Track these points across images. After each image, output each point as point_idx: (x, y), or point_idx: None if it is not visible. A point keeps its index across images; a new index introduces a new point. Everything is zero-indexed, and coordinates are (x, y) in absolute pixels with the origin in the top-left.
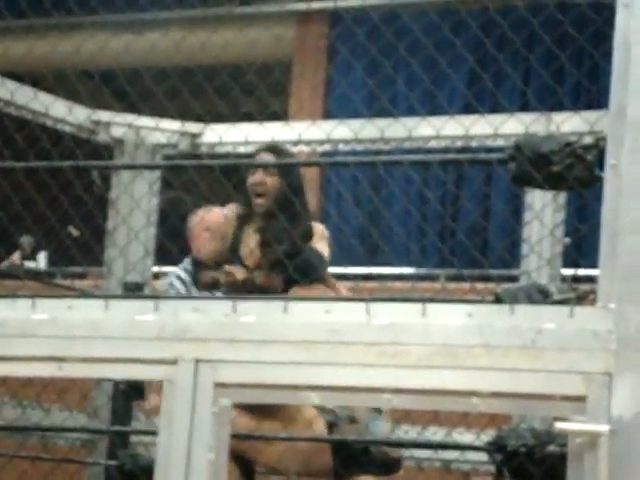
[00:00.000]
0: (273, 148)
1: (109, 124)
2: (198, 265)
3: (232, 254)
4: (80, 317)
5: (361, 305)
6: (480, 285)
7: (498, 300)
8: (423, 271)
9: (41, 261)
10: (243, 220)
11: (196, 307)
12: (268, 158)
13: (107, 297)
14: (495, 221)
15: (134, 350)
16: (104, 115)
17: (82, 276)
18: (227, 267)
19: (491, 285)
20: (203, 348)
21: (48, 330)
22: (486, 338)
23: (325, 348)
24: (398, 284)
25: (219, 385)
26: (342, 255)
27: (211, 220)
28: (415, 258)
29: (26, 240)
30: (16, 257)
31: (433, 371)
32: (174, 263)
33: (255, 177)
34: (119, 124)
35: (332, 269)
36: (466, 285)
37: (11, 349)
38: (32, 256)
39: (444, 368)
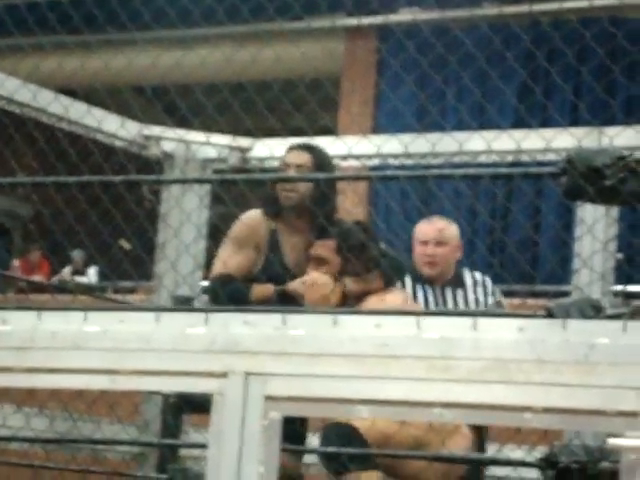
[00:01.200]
0: (306, 146)
1: (160, 139)
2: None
3: (272, 265)
4: (131, 330)
5: (411, 319)
6: (531, 301)
7: (550, 315)
8: None
9: (92, 275)
10: (271, 227)
11: (246, 320)
12: (301, 155)
13: (158, 310)
14: (546, 235)
15: (184, 363)
16: (155, 130)
17: (133, 290)
18: (310, 277)
19: (542, 301)
20: (253, 361)
21: (99, 343)
22: (538, 353)
23: (375, 362)
24: None
25: (269, 398)
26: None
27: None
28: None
29: (78, 254)
30: (67, 271)
31: (484, 386)
32: None
33: (287, 173)
34: (170, 139)
35: None
36: (517, 301)
37: (63, 361)
38: (84, 270)
39: (495, 383)
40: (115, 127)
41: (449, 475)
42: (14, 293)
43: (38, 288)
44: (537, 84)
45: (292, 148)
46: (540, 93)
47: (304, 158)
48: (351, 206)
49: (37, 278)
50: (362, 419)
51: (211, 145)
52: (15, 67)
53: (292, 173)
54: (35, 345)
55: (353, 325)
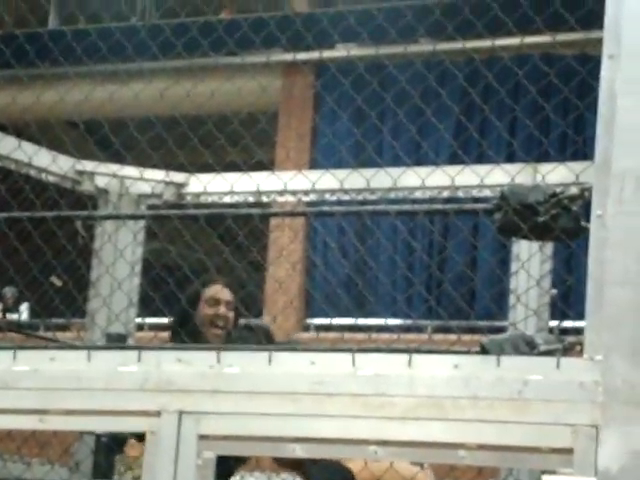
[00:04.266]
0: (229, 282)
1: (93, 174)
2: None
3: None
4: (62, 369)
5: (346, 356)
6: (467, 337)
7: (484, 351)
8: (409, 322)
9: (23, 312)
10: None
11: (179, 358)
12: (226, 292)
13: (89, 348)
14: (482, 271)
15: (117, 402)
16: (88, 165)
17: (65, 328)
18: None
19: (478, 337)
20: (187, 399)
21: (30, 382)
22: (472, 390)
23: (310, 399)
24: (384, 335)
25: (203, 437)
26: (328, 305)
27: None
28: (401, 309)
29: (9, 291)
30: None
31: (419, 423)
32: (157, 314)
33: (219, 310)
34: (103, 174)
35: (318, 320)
36: (453, 337)
37: None
38: (15, 308)
39: (430, 420)
40: (47, 162)
41: None
42: None
43: None
44: (472, 121)
45: (215, 283)
46: (475, 130)
47: (230, 294)
48: (288, 242)
49: None
50: (352, 461)
51: (145, 180)
52: None
53: (224, 309)
54: None
55: (288, 363)
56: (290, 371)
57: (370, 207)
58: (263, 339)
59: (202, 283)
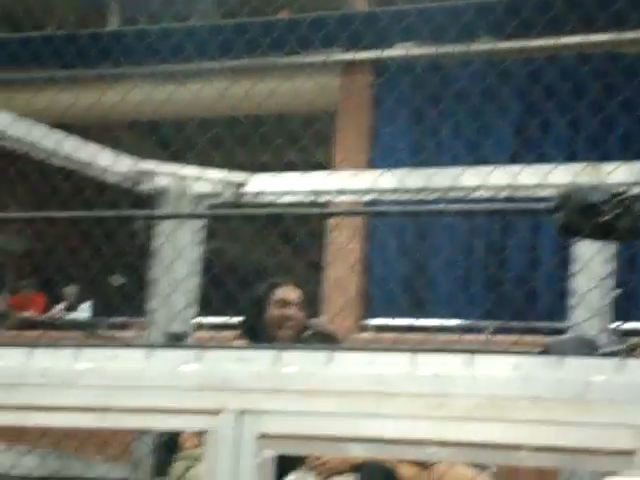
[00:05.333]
0: (298, 284)
1: (153, 174)
2: None
3: None
4: (122, 367)
5: (406, 356)
6: (527, 338)
7: (545, 352)
8: (469, 323)
9: (85, 311)
10: None
11: (239, 357)
12: (295, 292)
13: (149, 347)
14: (542, 272)
15: (176, 400)
16: (148, 165)
17: (125, 326)
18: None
19: (538, 338)
20: (246, 398)
21: (91, 380)
22: (533, 390)
23: (369, 399)
24: (443, 336)
25: (262, 436)
26: (386, 306)
27: None
28: (460, 309)
29: (71, 290)
30: (60, 308)
31: (479, 423)
32: (217, 314)
33: (288, 311)
34: (163, 174)
35: (376, 320)
36: (513, 338)
37: (53, 399)
38: (76, 306)
39: (490, 421)
40: (108, 162)
41: None
42: (6, 329)
43: (30, 325)
44: (533, 120)
45: (283, 285)
46: (536, 129)
47: (299, 294)
48: (346, 242)
49: (30, 314)
50: (404, 466)
51: (205, 180)
52: (8, 102)
53: (293, 310)
54: (25, 382)
55: (347, 362)
56: (349, 371)
57: (428, 207)
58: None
59: (271, 284)
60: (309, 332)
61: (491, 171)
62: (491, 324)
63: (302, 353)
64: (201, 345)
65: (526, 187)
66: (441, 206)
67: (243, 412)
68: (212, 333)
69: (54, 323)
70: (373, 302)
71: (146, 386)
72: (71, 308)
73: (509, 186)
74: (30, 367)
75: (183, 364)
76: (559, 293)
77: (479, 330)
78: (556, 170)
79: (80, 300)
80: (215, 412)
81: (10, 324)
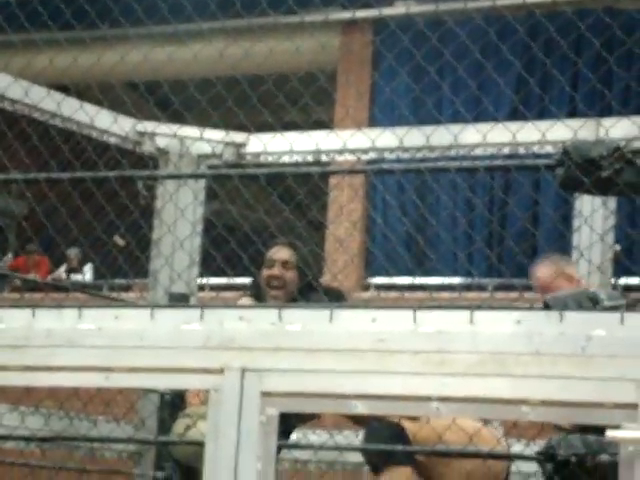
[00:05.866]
0: (290, 243)
1: (154, 134)
2: None
3: None
4: (126, 327)
5: (408, 313)
6: (529, 294)
7: (547, 307)
8: (471, 280)
9: (87, 273)
10: None
11: (242, 316)
12: (283, 252)
13: (153, 306)
14: (544, 228)
15: (180, 360)
16: (149, 125)
17: (128, 288)
18: None
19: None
20: (249, 357)
21: (94, 340)
22: (535, 346)
23: (372, 356)
24: (445, 294)
25: (265, 394)
26: (388, 264)
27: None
28: (462, 266)
29: (73, 252)
30: (63, 269)
31: (481, 379)
32: (219, 275)
33: (273, 271)
34: (163, 134)
35: (378, 279)
36: (515, 295)
37: (57, 359)
38: (79, 268)
39: (492, 376)
40: (108, 123)
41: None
42: (9, 292)
43: (34, 287)
44: (533, 75)
45: (276, 245)
46: (536, 84)
47: (289, 254)
48: (347, 201)
49: (35, 276)
50: (411, 420)
51: (205, 140)
52: (6, 64)
53: (278, 269)
54: (30, 343)
55: (349, 320)
56: (352, 328)
57: (429, 164)
58: (336, 300)
59: (269, 246)
60: (313, 286)
61: (492, 127)
62: (493, 281)
63: (304, 311)
64: (204, 304)
65: (527, 144)
66: (441, 163)
67: (246, 370)
68: (215, 294)
69: (57, 285)
70: (375, 261)
71: (150, 346)
72: (74, 270)
73: (510, 143)
74: (34, 328)
75: (186, 323)
76: (561, 249)
77: (481, 287)
78: (557, 126)
79: (83, 262)
80: (219, 371)
81: (13, 286)
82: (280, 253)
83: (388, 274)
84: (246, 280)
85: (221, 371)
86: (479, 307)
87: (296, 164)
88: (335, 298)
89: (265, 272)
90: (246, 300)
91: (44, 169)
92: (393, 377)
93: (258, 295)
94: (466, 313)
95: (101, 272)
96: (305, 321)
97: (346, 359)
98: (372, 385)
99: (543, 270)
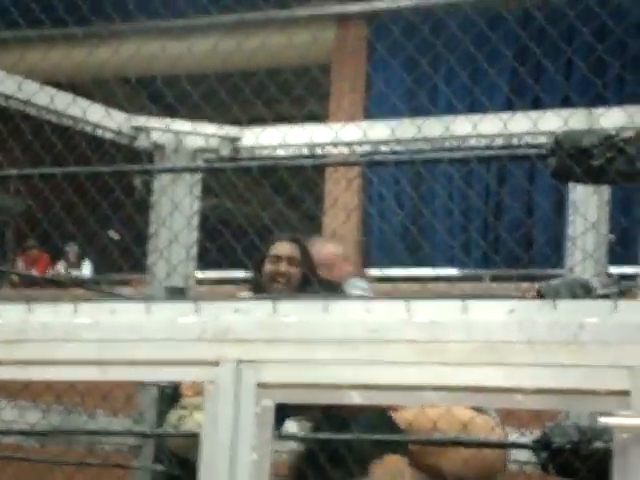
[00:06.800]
0: (293, 238)
1: (148, 129)
2: None
3: None
4: (122, 320)
5: (401, 303)
6: (525, 284)
7: (540, 296)
8: (466, 272)
9: (85, 269)
10: None
11: (237, 308)
12: (288, 247)
13: (148, 300)
14: (538, 218)
15: (176, 352)
16: (143, 120)
17: (126, 283)
18: None
19: (536, 285)
20: (245, 348)
21: (91, 334)
22: (528, 334)
23: (366, 347)
24: (441, 285)
25: (261, 385)
26: (384, 256)
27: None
28: (458, 257)
29: (71, 248)
30: (61, 266)
31: (475, 368)
32: (215, 267)
33: (279, 267)
34: (157, 129)
35: (374, 270)
36: (510, 285)
37: (54, 353)
38: (77, 264)
39: (486, 365)
40: (102, 118)
41: (492, 472)
42: (9, 287)
43: (33, 282)
44: (526, 65)
45: (280, 240)
46: (529, 74)
47: (293, 250)
48: (342, 193)
49: (34, 273)
50: (407, 409)
51: (200, 135)
52: None
53: (284, 266)
54: (26, 338)
55: (343, 311)
56: (346, 319)
57: (422, 155)
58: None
59: (269, 240)
60: (312, 281)
61: (483, 118)
62: (488, 272)
63: (298, 303)
64: (199, 297)
65: (519, 134)
66: (434, 154)
67: (242, 362)
68: (211, 287)
69: (56, 280)
70: (370, 253)
71: (146, 338)
72: (72, 266)
73: (502, 134)
74: (30, 322)
75: (182, 316)
76: (555, 239)
77: (477, 278)
78: (549, 116)
79: (80, 257)
80: (214, 363)
81: (12, 282)
82: (285, 249)
83: (384, 266)
84: (242, 273)
85: (217, 363)
86: (472, 296)
87: (290, 157)
88: (331, 290)
89: (269, 268)
90: (245, 294)
91: (39, 165)
92: (388, 367)
93: (257, 289)
94: (459, 303)
95: (100, 268)
96: (300, 312)
97: (341, 349)
98: (367, 375)
99: (330, 249)
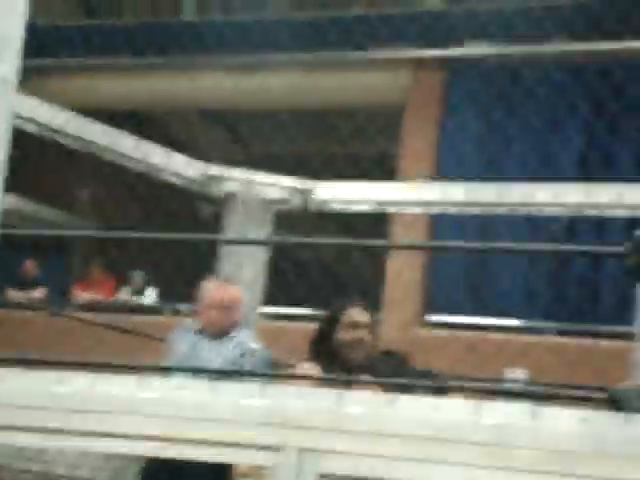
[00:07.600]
0: (365, 306)
1: (222, 178)
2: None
3: None
4: (187, 397)
5: (470, 403)
6: (588, 341)
7: (612, 400)
8: (529, 323)
9: (150, 296)
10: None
11: (301, 394)
12: (365, 315)
13: (214, 379)
14: (605, 273)
15: (238, 434)
16: (218, 170)
17: (189, 314)
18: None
19: (603, 342)
20: (308, 436)
21: (155, 409)
22: (599, 446)
23: (432, 445)
24: (501, 335)
25: (323, 476)
26: (447, 302)
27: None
28: (521, 309)
29: (137, 275)
30: (126, 292)
31: (542, 477)
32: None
33: (360, 334)
34: (233, 179)
35: (435, 316)
36: (573, 341)
37: (117, 426)
38: (142, 291)
39: (553, 474)
40: (180, 166)
41: None
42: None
43: (98, 307)
44: (601, 120)
45: (354, 306)
46: (604, 129)
47: (369, 317)
48: (410, 237)
49: (98, 297)
50: None
51: (273, 186)
52: (86, 88)
53: (364, 333)
54: (90, 408)
55: (411, 406)
56: (412, 415)
57: (490, 245)
58: (399, 366)
59: (341, 306)
60: (380, 350)
61: (564, 188)
62: (551, 325)
63: (365, 394)
64: (265, 378)
65: (599, 206)
66: (504, 245)
67: (304, 450)
68: (275, 323)
69: (120, 306)
70: (434, 299)
71: (209, 418)
72: (137, 292)
73: (581, 205)
74: (94, 393)
75: (246, 398)
76: (622, 296)
77: (539, 331)
78: (631, 189)
79: (146, 284)
80: (276, 448)
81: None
82: (363, 316)
83: (446, 312)
84: (304, 310)
85: (279, 449)
86: (542, 397)
87: (362, 214)
88: (398, 362)
89: (347, 335)
90: (308, 366)
91: (113, 192)
92: (452, 468)
93: (324, 356)
94: (529, 407)
95: (166, 297)
96: (365, 404)
97: (405, 446)
98: (431, 475)
99: (233, 292)
